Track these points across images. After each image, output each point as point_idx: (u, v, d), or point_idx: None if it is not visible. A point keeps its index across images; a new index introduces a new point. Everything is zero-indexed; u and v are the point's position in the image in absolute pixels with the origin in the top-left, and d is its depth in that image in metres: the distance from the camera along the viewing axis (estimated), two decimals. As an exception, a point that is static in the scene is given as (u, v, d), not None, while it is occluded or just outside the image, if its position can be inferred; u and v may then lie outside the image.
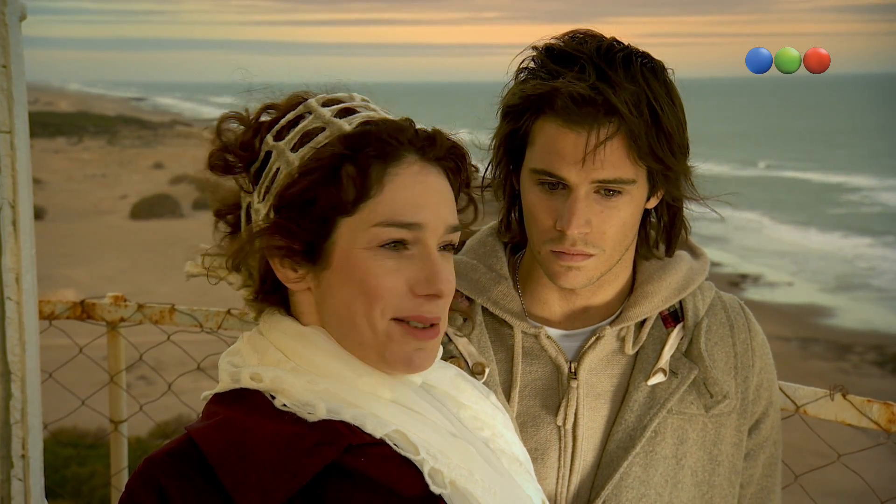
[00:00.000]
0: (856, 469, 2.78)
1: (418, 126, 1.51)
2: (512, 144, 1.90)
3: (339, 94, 1.55)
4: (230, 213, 1.57)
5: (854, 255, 32.54)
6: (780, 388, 2.47)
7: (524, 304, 2.00)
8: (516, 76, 1.90)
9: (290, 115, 1.52)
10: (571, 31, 1.89)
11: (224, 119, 1.56)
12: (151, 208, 37.24)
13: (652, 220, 1.99)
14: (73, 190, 43.56)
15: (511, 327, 1.98)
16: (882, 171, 52.58)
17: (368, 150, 1.45)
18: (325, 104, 1.53)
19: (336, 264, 1.47)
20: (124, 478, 3.45)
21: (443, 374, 1.59)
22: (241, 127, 1.55)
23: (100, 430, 10.12)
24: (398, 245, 1.47)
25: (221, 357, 1.56)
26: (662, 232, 2.00)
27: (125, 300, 3.39)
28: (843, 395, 2.47)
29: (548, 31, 1.97)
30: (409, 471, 1.45)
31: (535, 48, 1.89)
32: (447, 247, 1.52)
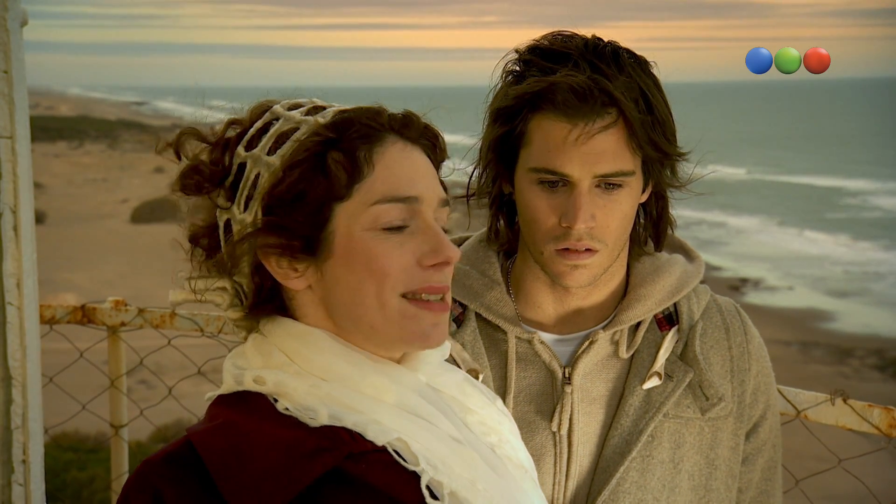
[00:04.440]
0: (856, 474, 2.78)
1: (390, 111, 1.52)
2: (503, 147, 1.89)
3: (301, 100, 1.55)
4: (205, 237, 1.54)
5: (854, 259, 32.51)
6: (781, 393, 2.47)
7: (517, 308, 1.99)
8: (503, 79, 1.91)
9: (258, 124, 1.51)
10: (552, 33, 1.90)
11: (182, 135, 1.53)
12: (152, 212, 37.20)
13: (640, 219, 1.99)
14: (74, 194, 43.55)
15: (505, 332, 1.97)
16: (882, 175, 52.57)
17: (351, 133, 1.46)
18: (291, 108, 1.52)
19: (338, 251, 1.46)
20: (125, 482, 3.44)
21: (450, 379, 1.58)
22: (202, 144, 1.52)
23: (100, 434, 10.11)
24: (397, 230, 1.47)
25: (227, 358, 1.55)
26: (651, 227, 2.00)
27: (126, 304, 3.39)
28: (844, 400, 2.46)
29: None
30: (411, 478, 1.43)
31: (517, 51, 1.90)
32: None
